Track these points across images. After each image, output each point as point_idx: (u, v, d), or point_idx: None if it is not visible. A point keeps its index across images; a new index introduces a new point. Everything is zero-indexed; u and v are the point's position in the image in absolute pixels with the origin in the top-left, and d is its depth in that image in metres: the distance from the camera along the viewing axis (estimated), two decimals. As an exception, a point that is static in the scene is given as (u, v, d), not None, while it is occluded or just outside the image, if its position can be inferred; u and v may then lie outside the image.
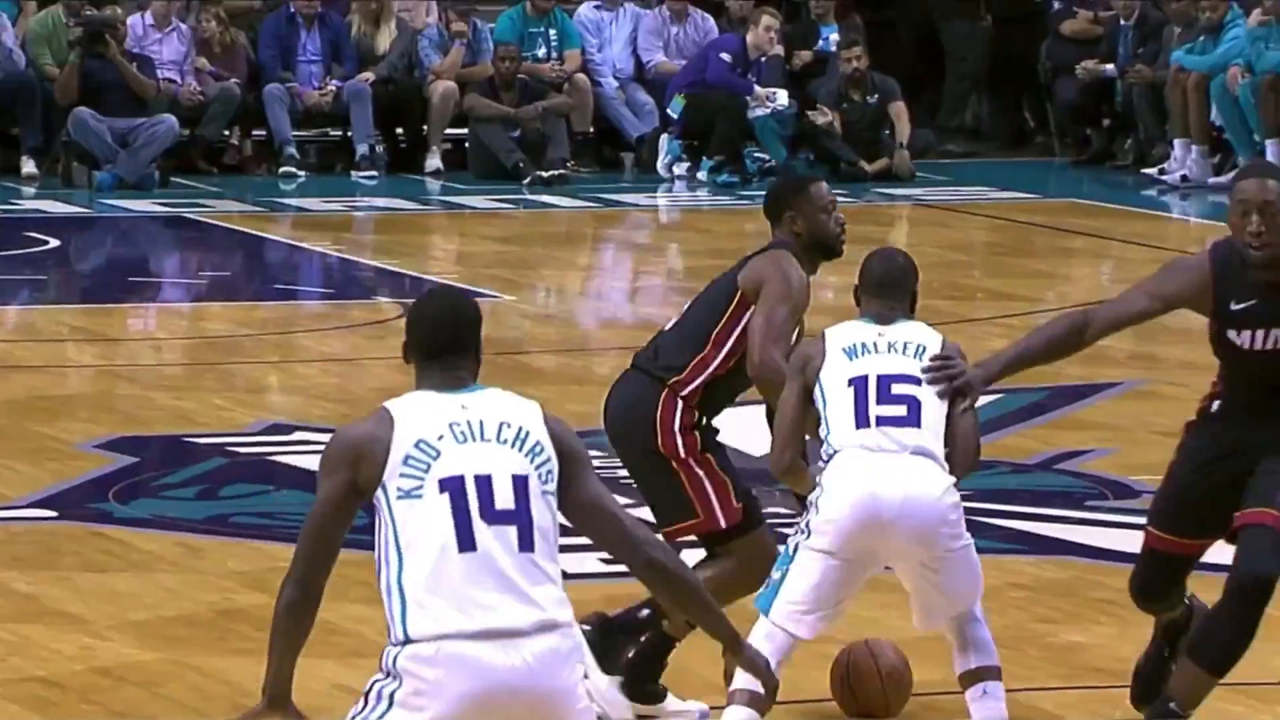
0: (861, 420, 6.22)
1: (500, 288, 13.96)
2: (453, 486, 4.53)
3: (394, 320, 13.36)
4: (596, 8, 18.91)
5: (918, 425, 6.24)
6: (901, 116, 18.02)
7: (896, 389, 6.36)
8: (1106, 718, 6.92)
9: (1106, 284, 14.60)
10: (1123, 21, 18.19)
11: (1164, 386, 11.41)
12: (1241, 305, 5.91)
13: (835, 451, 6.22)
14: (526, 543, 4.52)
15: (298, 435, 10.06)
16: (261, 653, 4.76)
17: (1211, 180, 17.50)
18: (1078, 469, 10.75)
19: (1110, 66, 18.33)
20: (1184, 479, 6.12)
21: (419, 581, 4.48)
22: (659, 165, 18.00)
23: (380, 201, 17.56)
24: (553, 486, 4.61)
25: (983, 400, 6.99)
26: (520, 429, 4.61)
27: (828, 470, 6.20)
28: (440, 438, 4.55)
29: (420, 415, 4.59)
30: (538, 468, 4.59)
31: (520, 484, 4.58)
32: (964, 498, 6.57)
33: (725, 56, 17.95)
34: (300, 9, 17.70)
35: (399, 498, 4.53)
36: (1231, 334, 5.94)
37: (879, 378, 6.30)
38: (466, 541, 4.52)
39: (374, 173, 17.59)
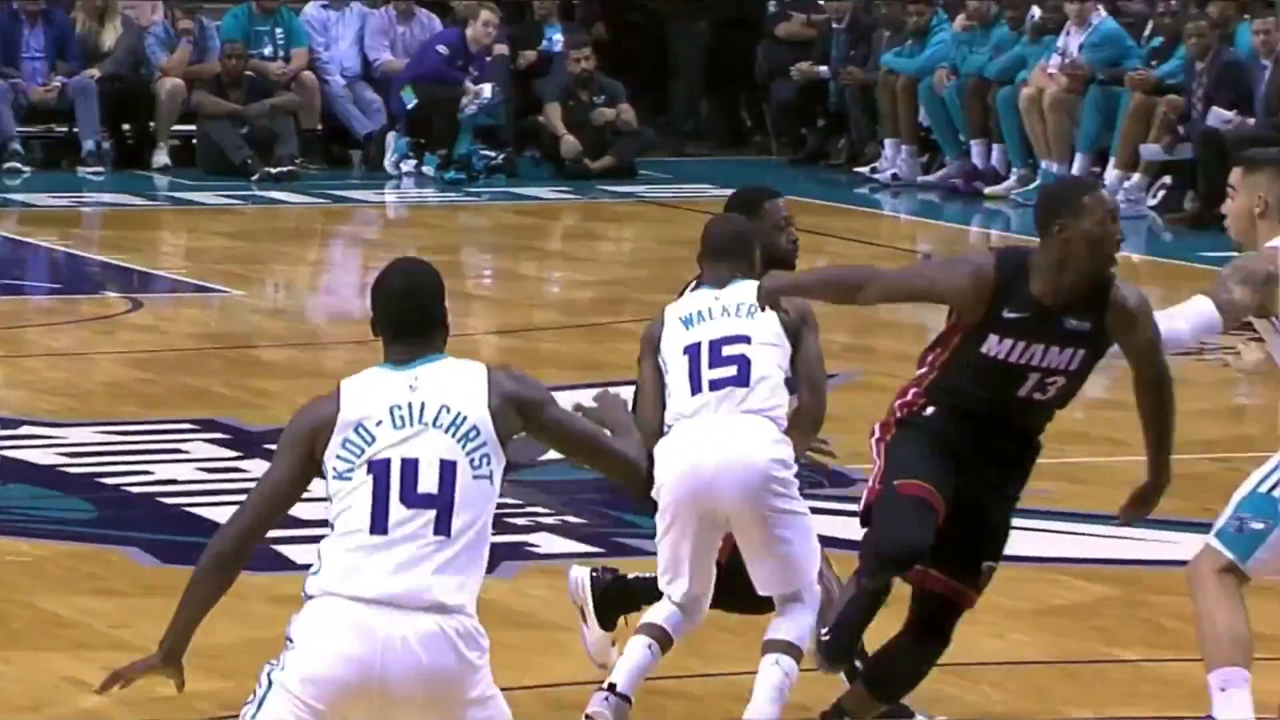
0: (695, 386, 6.34)
1: (230, 283, 13.93)
2: (378, 469, 4.69)
3: (122, 315, 13.30)
4: (324, 7, 18.85)
5: (747, 384, 6.34)
6: (626, 116, 18.31)
7: (727, 350, 6.45)
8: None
9: (823, 278, 14.88)
10: (835, 25, 18.53)
11: (880, 378, 11.62)
12: (1015, 315, 5.99)
13: (672, 423, 6.34)
14: (443, 526, 4.65)
15: (24, 430, 9.96)
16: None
17: (920, 179, 17.99)
18: (797, 457, 10.42)
19: (824, 68, 18.65)
20: (915, 449, 6.12)
21: (331, 552, 4.63)
22: (386, 163, 18.07)
23: (108, 197, 17.39)
24: (487, 469, 4.71)
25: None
26: (458, 414, 4.72)
27: (662, 442, 6.31)
28: (379, 423, 4.71)
29: (365, 397, 4.74)
30: (469, 453, 4.71)
31: (448, 468, 4.72)
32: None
33: (442, 49, 18.05)
34: (23, 6, 17.48)
35: (334, 477, 4.68)
36: (992, 339, 6.02)
37: (711, 342, 6.39)
38: (380, 524, 4.67)
39: (100, 169, 17.43)
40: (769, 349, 6.39)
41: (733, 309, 6.48)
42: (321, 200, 17.54)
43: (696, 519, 6.46)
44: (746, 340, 6.35)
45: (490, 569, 4.72)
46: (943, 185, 17.71)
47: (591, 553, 8.47)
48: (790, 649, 6.42)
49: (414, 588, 4.60)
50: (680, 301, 6.55)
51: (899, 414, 6.16)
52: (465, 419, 4.71)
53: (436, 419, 4.72)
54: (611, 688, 6.71)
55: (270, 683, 4.52)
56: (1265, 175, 6.38)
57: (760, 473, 6.49)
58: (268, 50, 18.36)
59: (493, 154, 18.07)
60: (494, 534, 4.73)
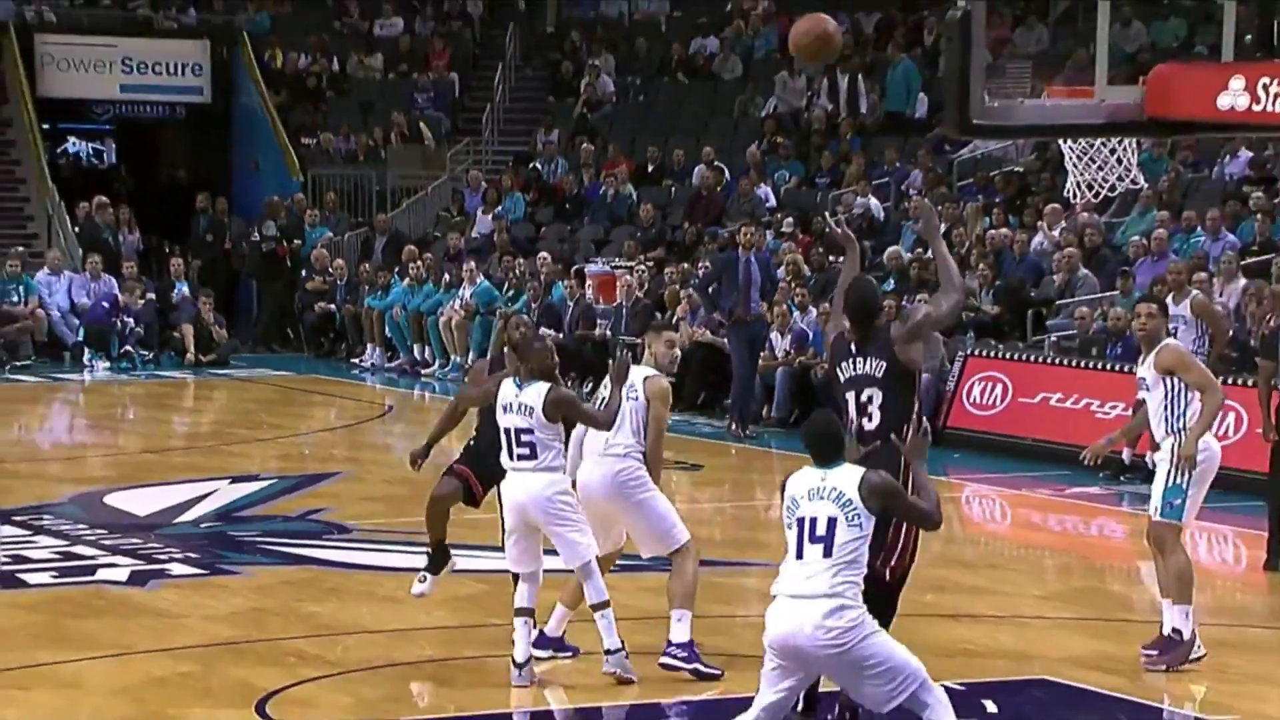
0: None
1: None
2: (799, 524, 7.61)
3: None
4: (49, 272, 26.54)
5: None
6: (222, 332, 26.60)
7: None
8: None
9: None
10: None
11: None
12: None
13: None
14: (828, 552, 7.57)
15: None
16: None
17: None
18: (323, 519, 14.98)
19: (332, 305, 27.15)
20: None
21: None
22: (84, 359, 26.18)
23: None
24: (859, 521, 7.62)
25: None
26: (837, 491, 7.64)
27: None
28: (802, 497, 7.65)
29: (796, 481, 7.76)
30: (844, 511, 7.59)
31: (831, 523, 7.57)
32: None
33: (105, 303, 25.96)
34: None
35: (785, 527, 7.71)
36: None
37: None
38: (799, 552, 7.65)
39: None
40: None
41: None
42: (46, 380, 25.05)
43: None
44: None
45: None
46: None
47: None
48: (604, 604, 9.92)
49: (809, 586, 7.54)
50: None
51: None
52: (841, 493, 7.62)
53: (825, 494, 7.66)
54: (516, 663, 9.89)
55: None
56: None
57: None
58: (14, 298, 26.71)
59: (147, 353, 26.71)
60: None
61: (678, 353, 10.34)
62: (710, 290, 21.77)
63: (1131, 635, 11.21)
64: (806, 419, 8.10)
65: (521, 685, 9.91)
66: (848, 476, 7.68)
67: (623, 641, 10.08)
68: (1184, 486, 10.36)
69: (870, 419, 8.75)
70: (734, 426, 20.56)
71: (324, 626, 11.48)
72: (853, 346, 8.86)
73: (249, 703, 9.72)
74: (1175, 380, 10.51)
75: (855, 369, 8.77)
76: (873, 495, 7.65)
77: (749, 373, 20.83)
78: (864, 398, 8.76)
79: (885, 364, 8.76)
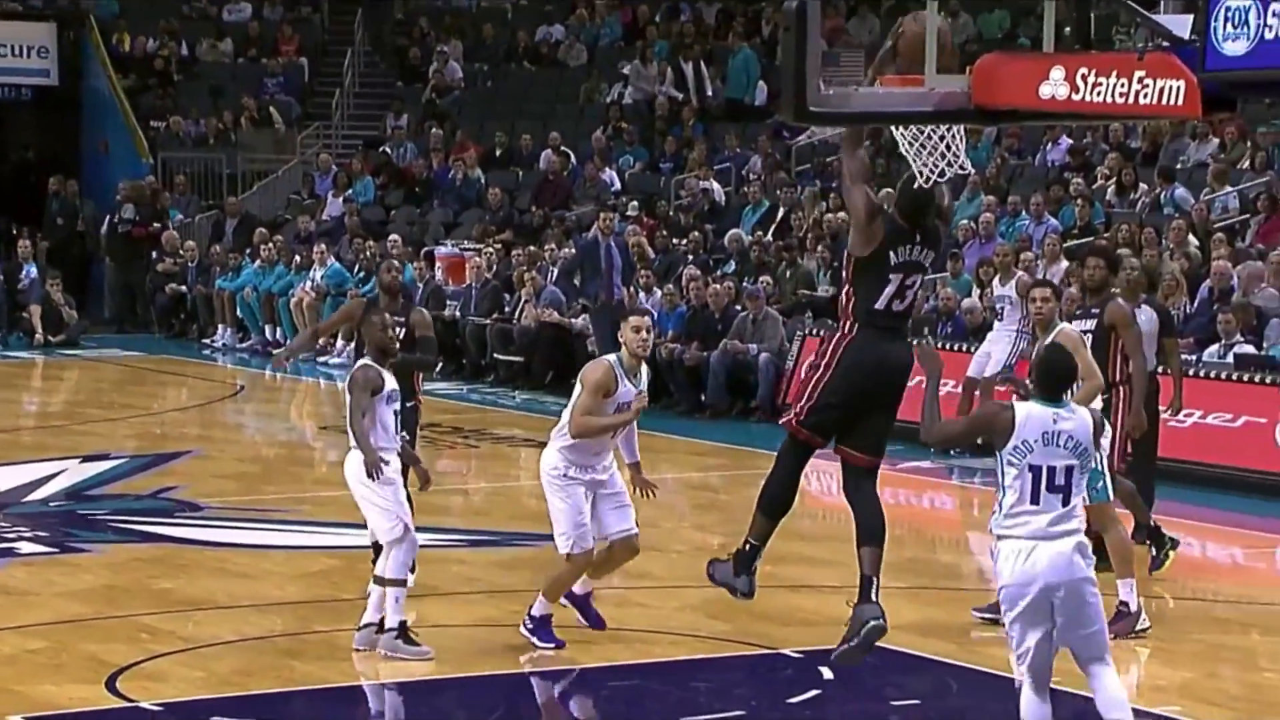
0: None
1: None
2: (1033, 471, 7.63)
3: None
4: None
5: None
6: (73, 313, 26.52)
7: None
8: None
9: None
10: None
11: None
12: None
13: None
14: (1067, 500, 7.67)
15: None
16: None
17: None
18: (174, 497, 14.83)
19: (184, 287, 27.11)
20: None
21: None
22: None
23: None
24: (1089, 464, 7.76)
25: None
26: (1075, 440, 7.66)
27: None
28: (1036, 442, 7.66)
29: (1031, 419, 7.68)
30: (1081, 460, 7.68)
31: (1068, 472, 7.67)
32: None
33: None
34: None
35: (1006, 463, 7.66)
36: None
37: None
38: (1034, 498, 7.67)
39: None
40: None
41: None
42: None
43: None
44: None
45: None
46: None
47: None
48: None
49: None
50: None
51: None
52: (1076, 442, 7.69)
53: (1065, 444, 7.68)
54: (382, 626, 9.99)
55: None
56: None
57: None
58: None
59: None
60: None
61: (644, 336, 10.02)
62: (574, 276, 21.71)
63: (960, 603, 11.41)
64: (1043, 354, 8.16)
65: (361, 649, 9.98)
66: (1080, 422, 7.80)
67: (403, 622, 10.04)
68: (1099, 469, 10.46)
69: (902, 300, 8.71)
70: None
71: (176, 602, 11.41)
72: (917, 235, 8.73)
73: (100, 679, 9.64)
74: None
75: (910, 255, 8.69)
76: (1098, 437, 8.00)
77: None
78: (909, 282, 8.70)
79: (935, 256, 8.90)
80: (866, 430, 8.63)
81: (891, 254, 8.63)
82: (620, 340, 10.09)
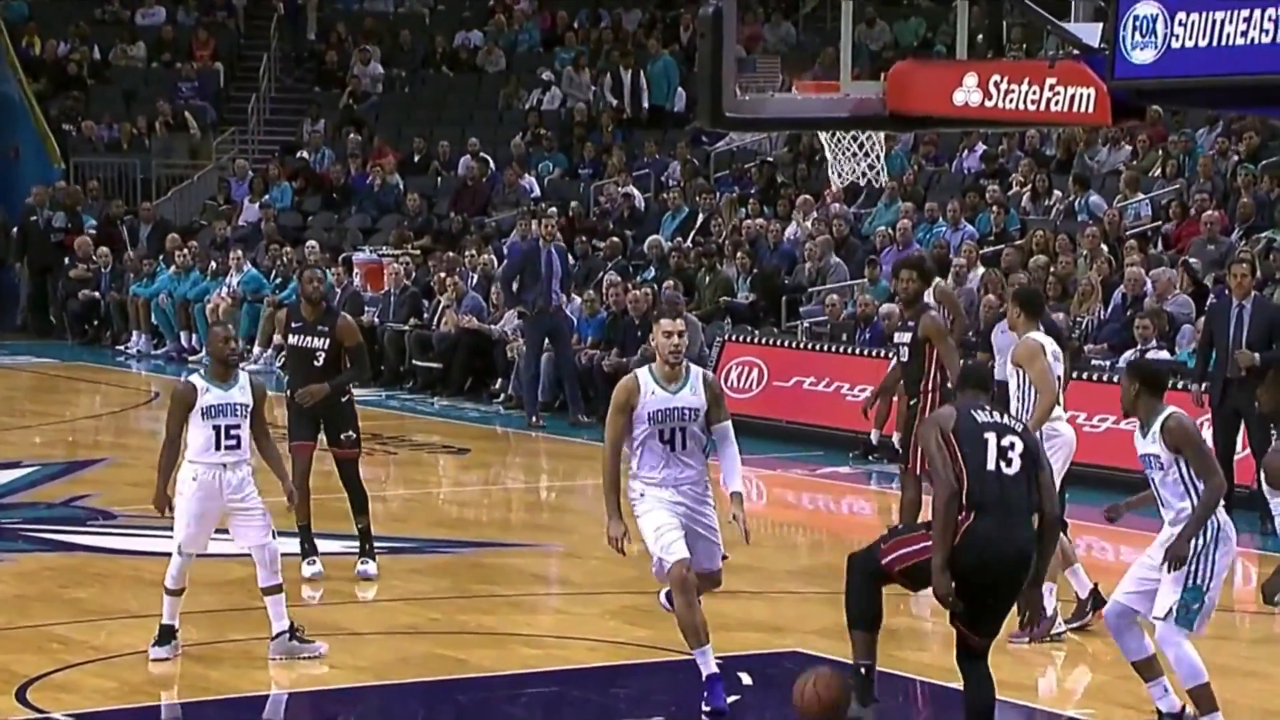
0: None
1: None
2: (1150, 482, 8.53)
3: None
4: None
5: None
6: None
7: None
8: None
9: None
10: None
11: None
12: None
13: None
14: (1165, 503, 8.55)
15: None
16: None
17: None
18: (87, 505, 14.89)
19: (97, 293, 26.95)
20: None
21: None
22: None
23: None
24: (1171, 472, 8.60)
25: None
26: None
27: None
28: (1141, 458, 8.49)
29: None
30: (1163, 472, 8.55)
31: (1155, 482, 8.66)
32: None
33: None
34: None
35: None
36: None
37: None
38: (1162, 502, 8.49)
39: None
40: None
41: None
42: None
43: None
44: None
45: None
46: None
47: None
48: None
49: None
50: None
51: None
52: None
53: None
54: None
55: None
56: None
57: None
58: None
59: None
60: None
61: (675, 341, 9.09)
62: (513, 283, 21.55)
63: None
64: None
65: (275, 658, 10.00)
66: (1151, 437, 8.74)
67: (291, 623, 10.12)
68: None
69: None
70: (535, 419, 20.25)
71: (88, 612, 11.34)
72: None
73: (10, 689, 9.58)
74: (1023, 373, 10.76)
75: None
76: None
77: (537, 364, 20.64)
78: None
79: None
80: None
81: None
82: (652, 345, 9.40)
